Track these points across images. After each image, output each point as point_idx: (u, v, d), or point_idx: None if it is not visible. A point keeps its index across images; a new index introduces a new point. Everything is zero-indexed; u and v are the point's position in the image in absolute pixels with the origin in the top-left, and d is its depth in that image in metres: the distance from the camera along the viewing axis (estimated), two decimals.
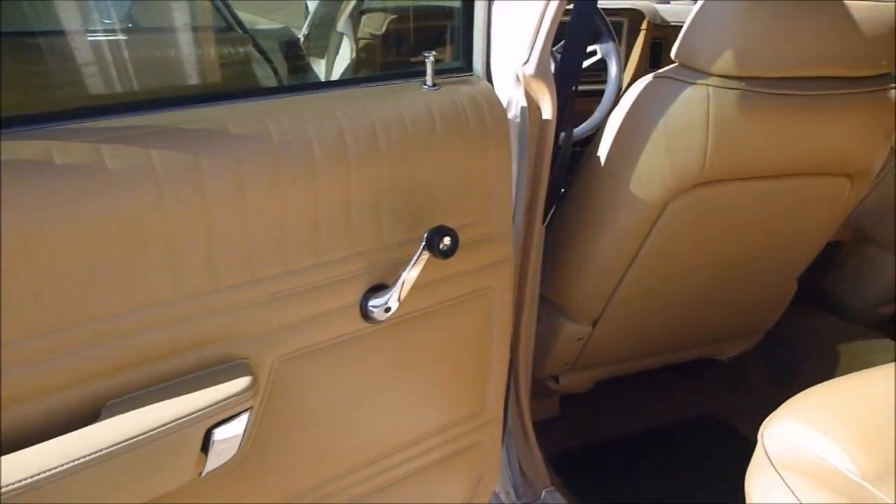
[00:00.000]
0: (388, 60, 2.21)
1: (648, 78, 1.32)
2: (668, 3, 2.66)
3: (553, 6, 1.19)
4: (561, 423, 1.87)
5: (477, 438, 1.24)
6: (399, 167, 0.96)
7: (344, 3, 2.20)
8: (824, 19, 1.23)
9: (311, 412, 1.01)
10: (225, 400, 0.84)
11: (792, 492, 0.90)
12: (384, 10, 2.20)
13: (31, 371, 0.76)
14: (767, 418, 0.98)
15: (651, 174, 1.31)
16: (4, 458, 0.72)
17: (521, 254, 1.34)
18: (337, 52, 2.29)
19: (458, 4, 1.08)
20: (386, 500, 1.16)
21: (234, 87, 1.48)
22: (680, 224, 1.38)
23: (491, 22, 1.07)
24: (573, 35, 1.38)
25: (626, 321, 1.59)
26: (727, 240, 1.48)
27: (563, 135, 1.43)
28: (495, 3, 1.29)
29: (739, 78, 1.23)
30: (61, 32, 1.26)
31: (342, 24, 2.23)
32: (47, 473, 0.72)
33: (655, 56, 2.38)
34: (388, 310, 0.98)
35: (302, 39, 2.29)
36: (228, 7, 1.97)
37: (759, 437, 0.98)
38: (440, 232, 0.92)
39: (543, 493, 1.54)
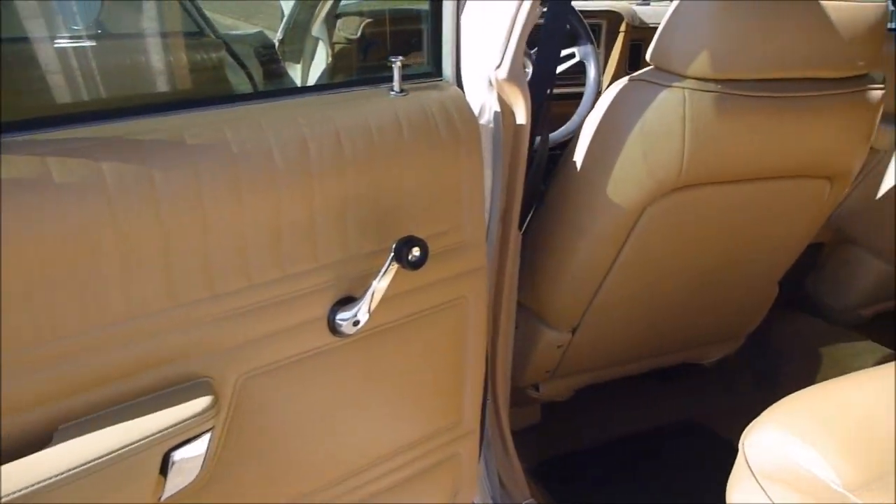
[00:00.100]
0: (363, 65, 2.18)
1: (624, 81, 1.30)
2: (648, 4, 2.66)
3: (525, 8, 1.17)
4: (542, 430, 1.85)
5: (453, 451, 1.21)
6: (365, 176, 0.94)
7: (319, 6, 2.17)
8: (800, 20, 1.21)
9: (280, 429, 0.98)
10: (183, 421, 0.80)
11: (773, 503, 0.88)
12: (360, 13, 2.18)
13: None
14: (748, 426, 0.96)
15: (628, 179, 1.29)
16: None
17: (497, 261, 1.32)
18: (313, 57, 2.26)
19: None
20: None
21: (194, 94, 1.45)
22: (658, 229, 1.36)
23: (460, 25, 1.04)
24: (547, 37, 1.36)
25: (606, 328, 1.57)
26: (707, 244, 1.46)
27: (538, 139, 1.41)
28: (466, 6, 1.27)
29: (716, 80, 1.22)
30: (19, 39, 1.22)
31: (317, 28, 2.20)
32: None
33: (635, 58, 2.36)
34: (356, 323, 0.95)
35: (277, 44, 2.25)
36: (199, 11, 1.94)
37: (740, 445, 0.96)
38: (409, 242, 0.89)
39: None
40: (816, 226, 1.58)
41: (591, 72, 2.03)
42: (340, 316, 0.96)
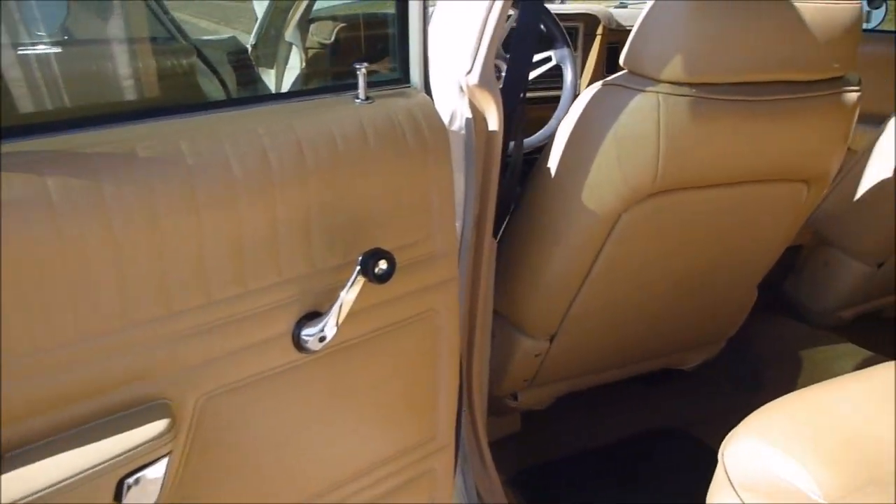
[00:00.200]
0: (337, 70, 2.15)
1: (597, 86, 1.28)
2: (626, 7, 2.65)
3: (496, 11, 1.15)
4: (522, 439, 1.82)
5: (427, 466, 1.18)
6: (329, 187, 0.91)
7: (291, 11, 2.14)
8: (775, 22, 1.20)
9: (247, 450, 0.94)
10: (138, 447, 0.77)
11: None
12: (333, 18, 2.15)
13: None
14: (727, 436, 0.94)
15: (603, 185, 1.27)
16: None
17: (471, 270, 1.29)
18: (286, 62, 2.22)
19: None
20: None
21: (149, 104, 1.40)
22: (635, 235, 1.34)
23: (427, 30, 1.01)
24: (520, 39, 1.33)
25: (584, 336, 1.54)
26: (684, 250, 1.45)
27: (512, 144, 1.38)
28: (436, 10, 1.25)
29: (690, 84, 1.20)
30: None
31: (290, 33, 2.17)
32: None
33: (612, 61, 2.35)
34: (322, 339, 0.92)
35: (250, 49, 2.22)
36: (169, 15, 1.90)
37: (719, 455, 0.93)
38: (375, 255, 0.87)
39: None
40: (794, 229, 1.57)
41: (568, 75, 2.02)
42: (306, 332, 0.93)
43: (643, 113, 1.20)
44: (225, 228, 0.83)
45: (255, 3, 2.24)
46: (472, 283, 1.31)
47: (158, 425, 0.79)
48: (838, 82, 1.33)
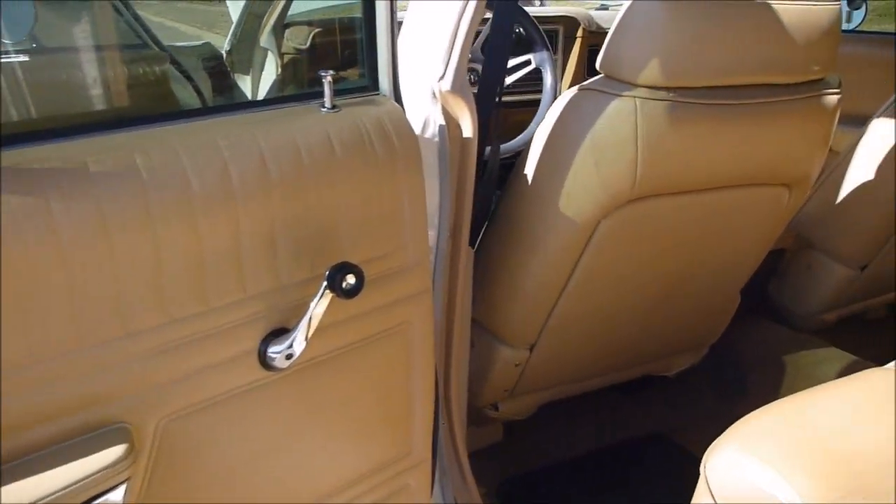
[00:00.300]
0: (313, 76, 2.12)
1: (574, 91, 1.26)
2: (607, 9, 2.63)
3: (469, 13, 1.12)
4: (504, 449, 1.79)
5: (403, 483, 1.15)
6: (295, 199, 0.87)
7: (266, 16, 2.10)
8: (752, 24, 1.18)
9: (213, 472, 0.91)
10: (95, 473, 0.74)
11: None
12: (309, 23, 2.11)
13: None
14: (709, 448, 0.92)
15: (580, 191, 1.24)
16: None
17: (447, 279, 1.26)
18: (262, 69, 2.19)
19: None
20: None
21: (105, 116, 1.35)
22: (614, 242, 1.32)
23: (395, 35, 0.98)
24: (495, 41, 1.31)
25: (564, 344, 1.52)
26: (665, 256, 1.42)
27: (489, 150, 1.35)
28: (407, 15, 1.22)
29: (667, 88, 1.18)
30: None
31: (265, 38, 2.13)
32: None
33: (593, 64, 2.33)
34: (290, 356, 0.89)
35: (225, 55, 2.18)
36: (141, 21, 1.86)
37: (701, 468, 0.91)
38: (343, 269, 0.84)
39: None
40: (776, 233, 1.55)
41: (548, 78, 2.00)
42: (273, 349, 0.90)
43: (620, 118, 1.18)
44: (183, 245, 0.80)
45: (229, 7, 2.20)
46: (449, 293, 1.28)
47: (116, 451, 0.76)
48: (818, 85, 1.31)
